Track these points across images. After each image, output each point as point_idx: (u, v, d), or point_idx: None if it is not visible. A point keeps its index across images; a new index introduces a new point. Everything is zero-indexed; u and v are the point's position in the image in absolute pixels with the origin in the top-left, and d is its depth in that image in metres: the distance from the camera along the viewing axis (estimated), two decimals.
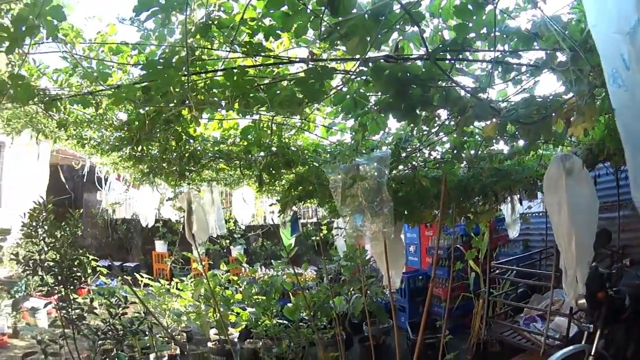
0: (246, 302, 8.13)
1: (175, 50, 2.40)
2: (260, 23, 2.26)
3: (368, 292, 7.74)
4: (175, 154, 4.73)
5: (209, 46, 2.49)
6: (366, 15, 1.85)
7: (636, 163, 1.58)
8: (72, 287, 4.71)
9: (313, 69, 2.36)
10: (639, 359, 5.71)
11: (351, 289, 8.06)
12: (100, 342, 5.05)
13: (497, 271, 7.82)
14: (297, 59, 2.53)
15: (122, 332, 5.25)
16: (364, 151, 4.02)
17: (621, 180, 7.41)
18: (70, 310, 4.72)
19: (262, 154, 4.72)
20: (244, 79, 2.57)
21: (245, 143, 4.44)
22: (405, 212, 4.55)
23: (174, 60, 2.27)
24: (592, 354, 4.94)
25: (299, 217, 12.16)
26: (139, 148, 4.43)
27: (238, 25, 2.21)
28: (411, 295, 9.23)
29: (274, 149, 4.40)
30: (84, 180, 12.52)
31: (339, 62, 2.61)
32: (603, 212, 7.63)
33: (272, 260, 10.94)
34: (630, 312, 5.47)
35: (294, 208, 7.69)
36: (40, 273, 4.65)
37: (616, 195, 7.70)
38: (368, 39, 1.96)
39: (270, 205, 10.24)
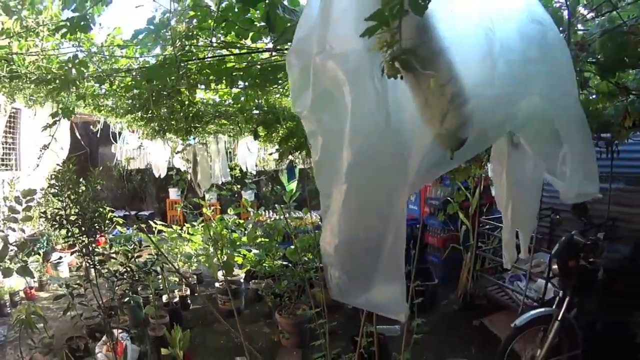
0: (251, 244, 8.51)
1: (166, 56, 3.08)
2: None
3: None
4: (181, 114, 5.31)
5: (195, 42, 3.06)
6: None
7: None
8: (94, 237, 5.20)
9: (263, 67, 2.99)
10: (608, 332, 5.89)
11: None
12: (118, 283, 5.45)
13: (487, 227, 7.96)
14: (264, 49, 3.10)
15: (136, 273, 5.63)
16: None
17: (615, 153, 7.26)
18: (92, 257, 5.08)
19: (256, 111, 5.28)
20: (224, 67, 3.22)
21: (239, 105, 5.03)
22: None
23: (166, 62, 2.96)
24: (559, 319, 5.07)
25: (295, 165, 12.60)
26: (149, 112, 5.01)
27: (213, 29, 2.79)
28: (408, 243, 9.08)
29: (265, 108, 4.95)
30: (98, 136, 12.95)
31: None
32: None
33: (277, 205, 11.43)
34: (603, 285, 5.61)
35: (290, 157, 8.14)
36: (66, 226, 5.18)
37: (608, 166, 7.65)
38: None
39: (270, 154, 10.73)
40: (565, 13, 2.16)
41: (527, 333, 5.32)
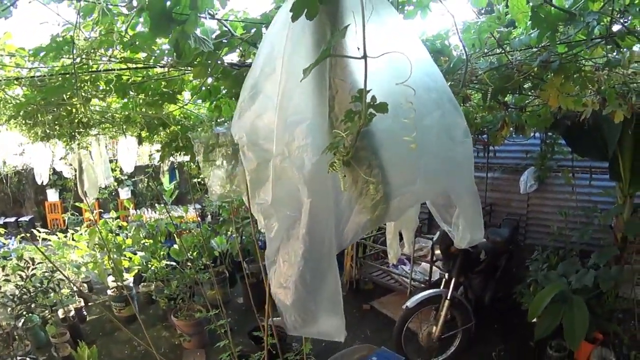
0: (136, 247, 8.39)
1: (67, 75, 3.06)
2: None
3: (244, 232, 8.24)
4: (65, 120, 5.19)
5: (94, 56, 3.02)
6: (211, 45, 2.18)
7: None
8: None
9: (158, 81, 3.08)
10: (495, 306, 6.52)
11: (230, 229, 8.50)
12: (17, 309, 5.29)
13: None
14: (159, 65, 3.11)
15: (34, 293, 5.49)
16: (224, 121, 4.55)
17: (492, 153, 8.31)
18: None
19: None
20: (120, 83, 3.23)
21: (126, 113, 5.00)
22: None
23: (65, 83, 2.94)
24: (448, 298, 5.55)
25: (175, 167, 12.55)
26: (33, 118, 4.88)
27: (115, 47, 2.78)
28: None
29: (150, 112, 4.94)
30: None
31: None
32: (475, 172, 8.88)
33: (157, 203, 11.28)
34: (486, 265, 6.24)
35: (172, 159, 8.08)
36: None
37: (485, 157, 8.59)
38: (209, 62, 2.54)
39: (150, 155, 10.58)
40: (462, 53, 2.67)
41: (419, 313, 5.69)
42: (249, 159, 1.94)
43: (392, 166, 1.78)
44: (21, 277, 5.42)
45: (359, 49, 1.38)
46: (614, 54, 2.66)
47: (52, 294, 6.37)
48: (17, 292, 5.43)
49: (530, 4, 2.23)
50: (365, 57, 1.36)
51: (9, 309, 5.28)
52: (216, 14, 2.29)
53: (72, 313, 7.32)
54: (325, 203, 1.81)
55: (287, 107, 1.71)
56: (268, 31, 1.84)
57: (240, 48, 2.71)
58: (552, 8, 2.10)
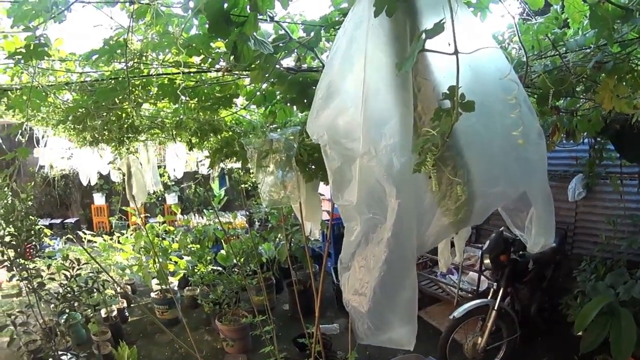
0: (182, 251, 8.47)
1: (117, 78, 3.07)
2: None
3: (292, 239, 8.23)
4: (115, 125, 5.22)
5: (145, 60, 3.02)
6: (271, 47, 2.15)
7: None
8: (30, 258, 4.91)
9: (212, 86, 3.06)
10: (542, 316, 6.40)
11: (278, 236, 8.50)
12: (60, 306, 5.31)
13: None
14: (214, 69, 3.09)
15: (78, 292, 5.48)
16: (277, 127, 4.52)
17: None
18: (31, 279, 4.89)
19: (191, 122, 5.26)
20: (172, 87, 3.20)
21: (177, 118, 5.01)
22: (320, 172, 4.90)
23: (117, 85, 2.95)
24: (495, 308, 5.48)
25: (225, 173, 12.57)
26: (82, 123, 4.91)
27: (169, 52, 2.76)
28: (337, 242, 8.81)
29: (201, 118, 4.93)
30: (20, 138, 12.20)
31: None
32: None
33: (205, 209, 11.30)
34: (533, 275, 6.14)
35: (222, 165, 8.07)
36: (0, 248, 4.88)
37: None
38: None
39: (200, 161, 10.64)
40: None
41: (466, 323, 5.61)
42: (331, 159, 1.89)
43: (476, 166, 1.78)
44: (66, 276, 5.43)
45: (449, 44, 1.35)
46: None
47: (95, 294, 6.43)
48: (61, 290, 5.43)
49: (585, 2, 2.25)
50: (456, 52, 1.33)
51: (52, 305, 5.31)
52: (274, 16, 2.26)
53: (115, 313, 7.43)
54: (411, 205, 1.78)
55: (373, 105, 1.68)
56: (342, 30, 1.78)
57: (297, 52, 2.66)
58: (610, 6, 2.05)
